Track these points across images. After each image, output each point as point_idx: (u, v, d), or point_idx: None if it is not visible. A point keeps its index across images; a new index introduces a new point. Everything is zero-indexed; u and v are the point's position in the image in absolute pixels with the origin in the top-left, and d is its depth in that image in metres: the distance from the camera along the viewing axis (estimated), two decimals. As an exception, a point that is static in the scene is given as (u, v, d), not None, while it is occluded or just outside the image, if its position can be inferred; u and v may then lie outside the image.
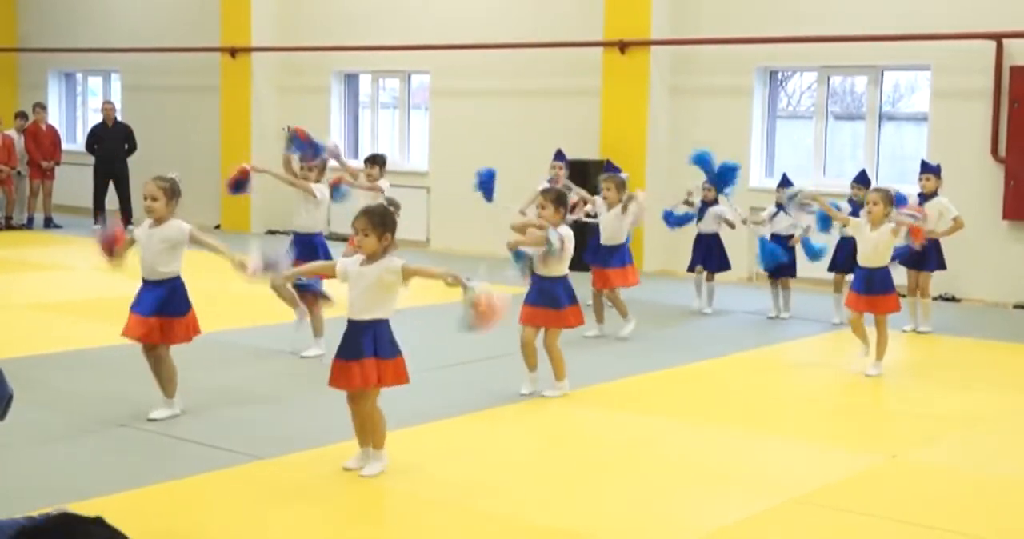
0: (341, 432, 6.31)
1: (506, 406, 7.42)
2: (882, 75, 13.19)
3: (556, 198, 7.56)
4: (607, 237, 9.77)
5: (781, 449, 6.69)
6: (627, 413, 7.37)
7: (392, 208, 5.79)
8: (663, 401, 7.80)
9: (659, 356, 9.18)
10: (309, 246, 8.66)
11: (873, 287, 8.51)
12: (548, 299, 7.57)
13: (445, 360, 8.80)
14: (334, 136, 16.55)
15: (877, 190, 8.67)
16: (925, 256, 10.22)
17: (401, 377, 5.87)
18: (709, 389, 8.22)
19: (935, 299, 11.75)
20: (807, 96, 16.07)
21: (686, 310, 11.30)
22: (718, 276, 11.51)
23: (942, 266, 10.54)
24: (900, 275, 9.94)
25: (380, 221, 5.76)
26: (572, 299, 7.62)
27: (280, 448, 6.30)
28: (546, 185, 9.59)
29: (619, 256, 9.77)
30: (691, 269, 11.37)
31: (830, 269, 10.77)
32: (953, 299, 12.29)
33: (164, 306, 6.77)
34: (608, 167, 10.89)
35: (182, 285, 6.88)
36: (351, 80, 17.26)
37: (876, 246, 8.49)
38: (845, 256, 10.26)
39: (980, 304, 12.19)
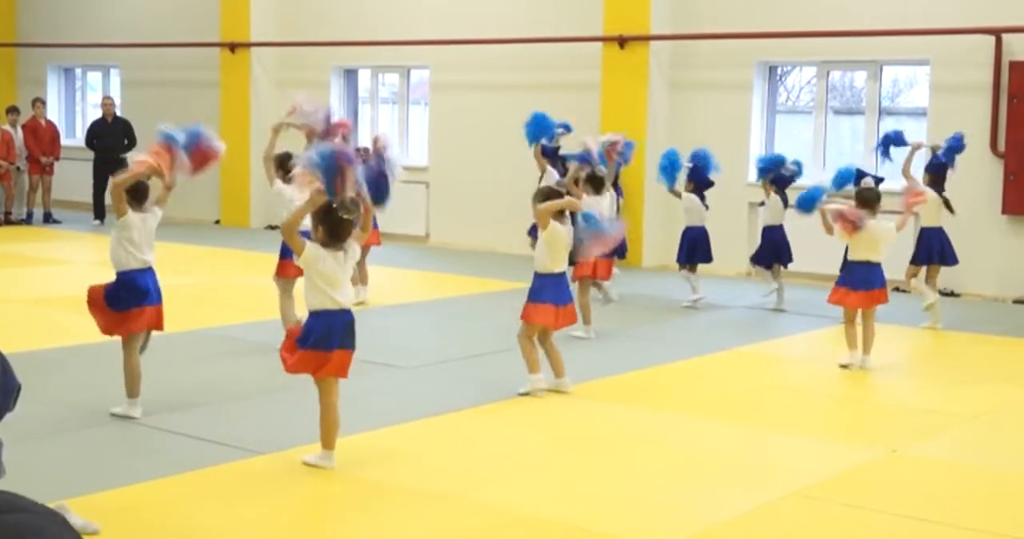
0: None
1: (506, 401, 7.40)
2: (881, 70, 13.16)
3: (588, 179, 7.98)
4: None
5: (781, 443, 6.68)
6: (627, 408, 7.36)
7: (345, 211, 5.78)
8: (663, 396, 7.78)
9: (658, 351, 9.16)
10: None
11: (876, 282, 8.53)
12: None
13: (448, 354, 8.78)
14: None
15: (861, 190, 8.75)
16: (946, 249, 10.28)
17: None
18: (708, 384, 8.20)
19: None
20: (807, 91, 16.04)
21: (684, 305, 11.26)
22: (715, 269, 11.47)
23: (956, 260, 10.54)
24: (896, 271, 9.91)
25: None
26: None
27: (276, 443, 6.29)
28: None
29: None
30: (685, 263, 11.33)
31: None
32: (952, 294, 12.26)
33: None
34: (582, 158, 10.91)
35: None
36: (350, 75, 17.23)
37: (881, 241, 8.50)
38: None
39: (980, 299, 12.17)
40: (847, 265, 8.92)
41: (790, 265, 11.30)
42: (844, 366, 8.52)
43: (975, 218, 12.00)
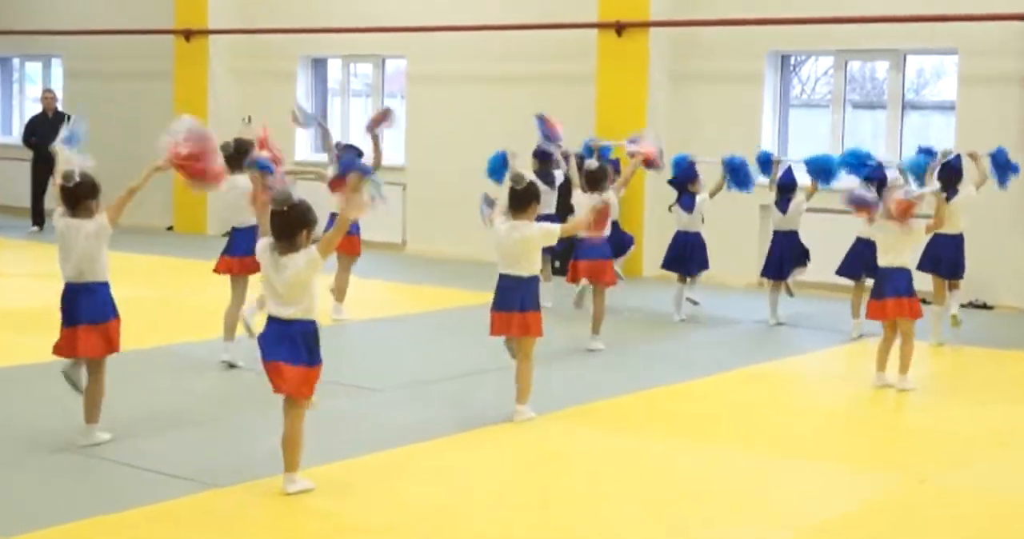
0: (305, 453, 6.26)
1: (490, 427, 7.37)
2: (905, 60, 13.19)
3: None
4: None
5: (796, 473, 6.66)
6: (620, 435, 7.33)
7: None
8: (664, 421, 7.76)
9: (659, 371, 9.14)
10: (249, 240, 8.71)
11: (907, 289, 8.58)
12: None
13: (425, 375, 8.75)
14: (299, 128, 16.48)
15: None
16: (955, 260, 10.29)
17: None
18: (714, 407, 8.18)
19: (964, 306, 11.74)
20: (823, 83, 16.10)
21: (687, 319, 11.25)
22: (722, 280, 11.49)
23: (957, 274, 10.51)
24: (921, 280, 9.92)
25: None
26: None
27: (235, 474, 6.25)
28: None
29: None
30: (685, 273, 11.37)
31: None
32: (985, 306, 12.28)
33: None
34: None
35: None
36: (319, 65, 17.21)
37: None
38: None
39: (1014, 311, 12.19)
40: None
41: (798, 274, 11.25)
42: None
43: (1008, 222, 12.02)
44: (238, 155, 8.45)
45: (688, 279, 11.33)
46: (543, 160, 11.47)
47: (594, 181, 9.79)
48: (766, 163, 11.18)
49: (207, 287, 12.21)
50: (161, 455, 6.62)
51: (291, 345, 5.89)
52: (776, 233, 11.11)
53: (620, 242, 11.26)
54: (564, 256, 11.24)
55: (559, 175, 11.16)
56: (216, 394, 8.13)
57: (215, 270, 8.94)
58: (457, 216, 15.12)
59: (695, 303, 11.33)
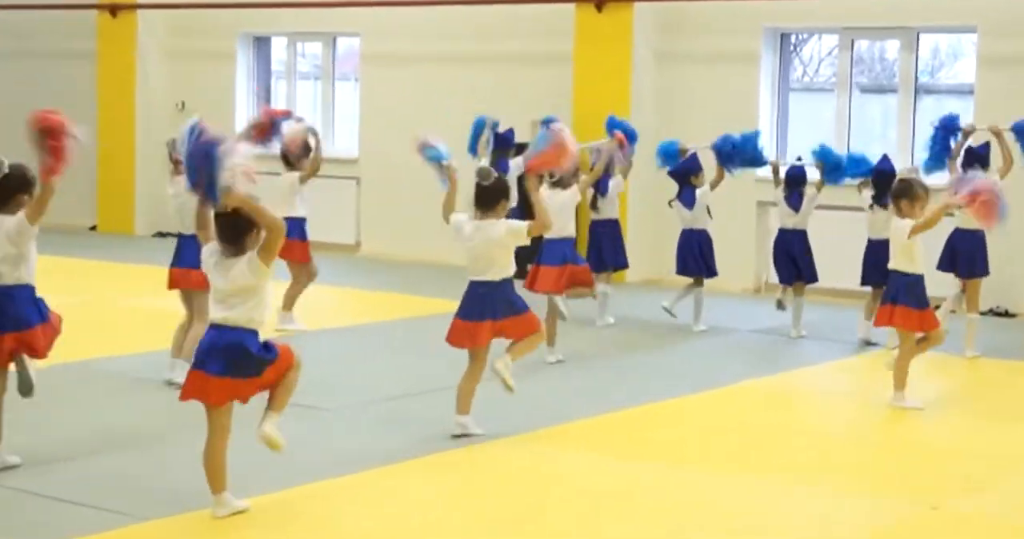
0: (246, 481, 6.26)
1: (455, 450, 7.38)
2: (918, 38, 13.27)
3: None
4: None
5: (799, 499, 6.69)
6: (610, 457, 7.35)
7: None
8: (652, 442, 7.77)
9: (647, 386, 9.15)
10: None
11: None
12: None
13: (381, 392, 8.75)
14: (241, 114, 16.47)
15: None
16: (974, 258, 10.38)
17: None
18: (708, 427, 8.21)
19: (984, 314, 11.82)
20: (827, 64, 16.16)
21: (677, 328, 11.30)
22: (718, 284, 11.53)
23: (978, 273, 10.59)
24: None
25: None
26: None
27: (164, 507, 6.23)
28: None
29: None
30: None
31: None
32: (1007, 314, 12.37)
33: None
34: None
35: None
36: (262, 44, 17.18)
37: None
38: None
39: (1039, 320, 12.29)
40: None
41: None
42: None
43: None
44: None
45: (698, 282, 11.31)
46: (502, 147, 11.48)
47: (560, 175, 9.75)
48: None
49: (137, 293, 12.21)
50: (77, 483, 6.58)
51: (215, 354, 5.93)
52: (783, 232, 11.12)
53: (612, 255, 11.33)
54: (525, 259, 11.18)
55: (515, 164, 11.08)
56: (148, 414, 8.10)
57: (170, 286, 8.83)
58: (417, 214, 15.11)
59: (673, 316, 11.29)
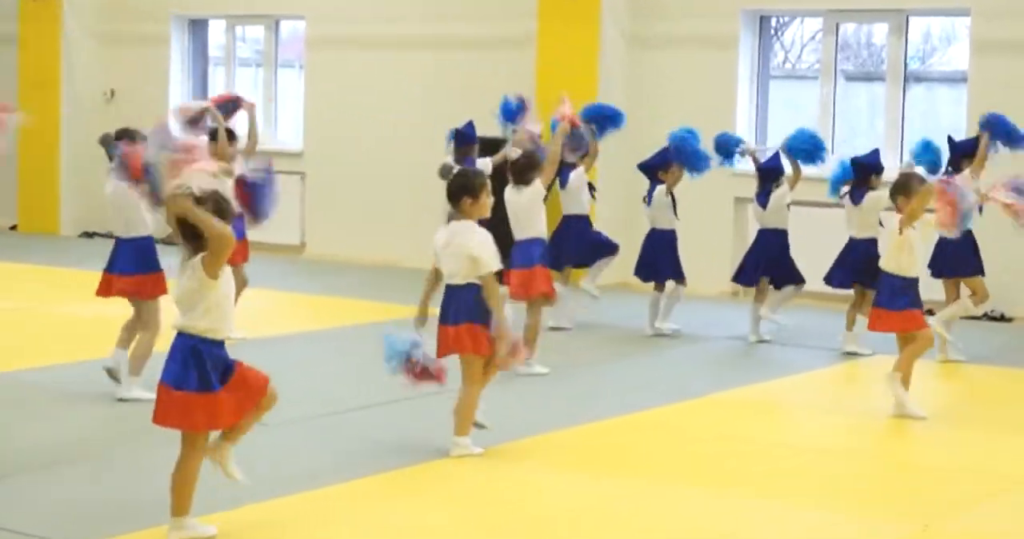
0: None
1: (412, 467, 7.40)
2: (908, 22, 13.35)
3: None
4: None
5: (782, 519, 6.73)
6: (573, 474, 7.38)
7: None
8: (624, 457, 7.81)
9: (618, 398, 9.20)
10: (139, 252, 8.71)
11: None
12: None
13: (331, 404, 8.77)
14: (175, 101, 16.44)
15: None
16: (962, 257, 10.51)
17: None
18: (684, 441, 8.25)
19: (978, 318, 11.93)
20: (810, 50, 16.28)
21: (646, 335, 11.38)
22: (691, 288, 11.59)
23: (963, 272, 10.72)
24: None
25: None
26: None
27: (87, 531, 6.23)
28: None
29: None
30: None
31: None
32: (1002, 318, 12.49)
33: None
34: None
35: None
36: (198, 28, 17.16)
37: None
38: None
39: (1037, 324, 12.41)
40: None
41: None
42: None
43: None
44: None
45: (662, 288, 11.40)
46: (464, 144, 11.50)
47: (519, 172, 9.80)
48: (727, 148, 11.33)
49: (66, 299, 12.14)
50: (3, 506, 6.56)
51: (177, 364, 5.97)
52: (760, 231, 11.22)
53: (594, 244, 11.39)
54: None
55: (484, 163, 11.09)
56: (84, 429, 8.07)
57: (99, 292, 8.88)
58: (367, 212, 15.16)
59: (667, 334, 11.34)
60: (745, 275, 11.29)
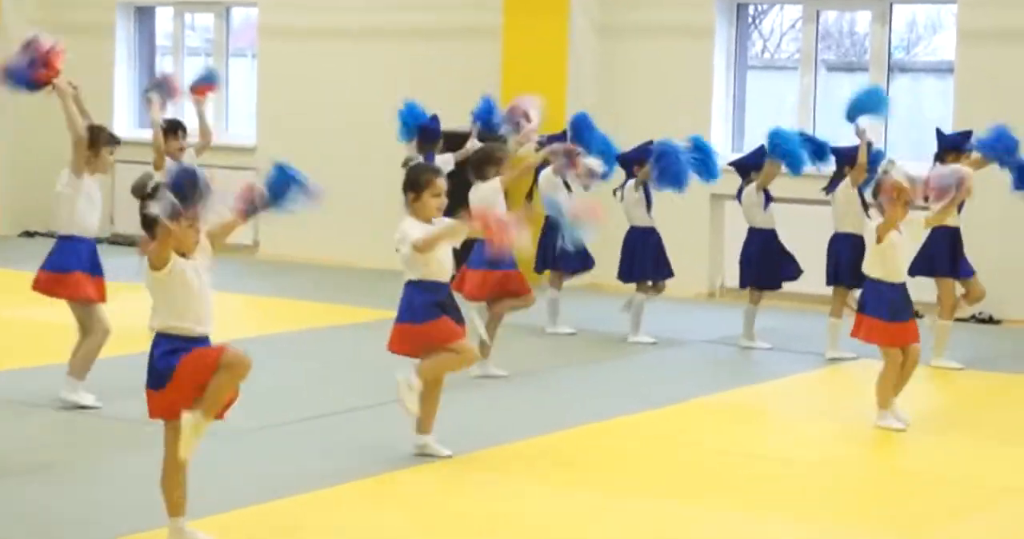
0: (137, 515, 6.34)
1: (379, 476, 7.42)
2: (892, 10, 13.44)
3: None
4: None
5: (758, 531, 6.79)
6: (544, 484, 7.42)
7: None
8: (597, 467, 7.86)
9: (591, 404, 9.24)
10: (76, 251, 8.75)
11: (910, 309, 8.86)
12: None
13: (288, 412, 8.81)
14: (120, 94, 16.47)
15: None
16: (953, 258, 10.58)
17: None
18: (662, 449, 8.30)
19: (966, 320, 12.00)
20: (790, 39, 16.32)
21: (622, 337, 11.43)
22: (667, 290, 11.65)
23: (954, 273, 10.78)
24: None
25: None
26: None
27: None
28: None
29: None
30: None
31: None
32: (991, 320, 12.62)
33: None
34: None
35: None
36: (144, 15, 17.12)
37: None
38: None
39: (1025, 326, 12.54)
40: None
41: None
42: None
43: (1016, 223, 12.32)
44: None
45: (647, 288, 11.43)
46: (426, 139, 11.51)
47: (474, 166, 9.84)
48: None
49: (7, 302, 12.11)
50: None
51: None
52: (750, 231, 11.25)
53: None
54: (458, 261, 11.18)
55: (446, 159, 11.06)
56: (34, 438, 8.08)
57: (34, 287, 8.89)
58: (323, 211, 15.06)
59: (654, 343, 11.39)
60: (749, 277, 11.33)
